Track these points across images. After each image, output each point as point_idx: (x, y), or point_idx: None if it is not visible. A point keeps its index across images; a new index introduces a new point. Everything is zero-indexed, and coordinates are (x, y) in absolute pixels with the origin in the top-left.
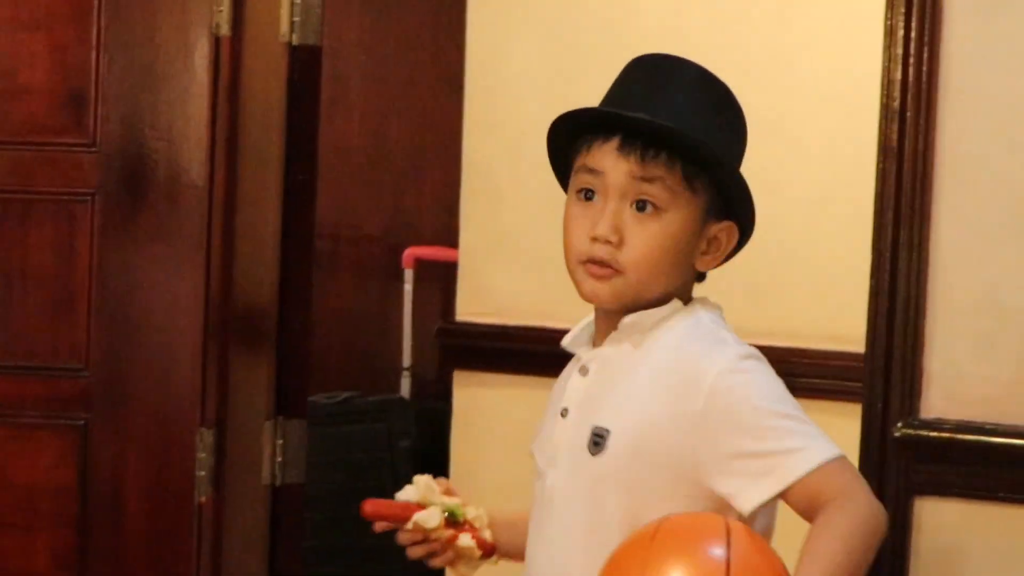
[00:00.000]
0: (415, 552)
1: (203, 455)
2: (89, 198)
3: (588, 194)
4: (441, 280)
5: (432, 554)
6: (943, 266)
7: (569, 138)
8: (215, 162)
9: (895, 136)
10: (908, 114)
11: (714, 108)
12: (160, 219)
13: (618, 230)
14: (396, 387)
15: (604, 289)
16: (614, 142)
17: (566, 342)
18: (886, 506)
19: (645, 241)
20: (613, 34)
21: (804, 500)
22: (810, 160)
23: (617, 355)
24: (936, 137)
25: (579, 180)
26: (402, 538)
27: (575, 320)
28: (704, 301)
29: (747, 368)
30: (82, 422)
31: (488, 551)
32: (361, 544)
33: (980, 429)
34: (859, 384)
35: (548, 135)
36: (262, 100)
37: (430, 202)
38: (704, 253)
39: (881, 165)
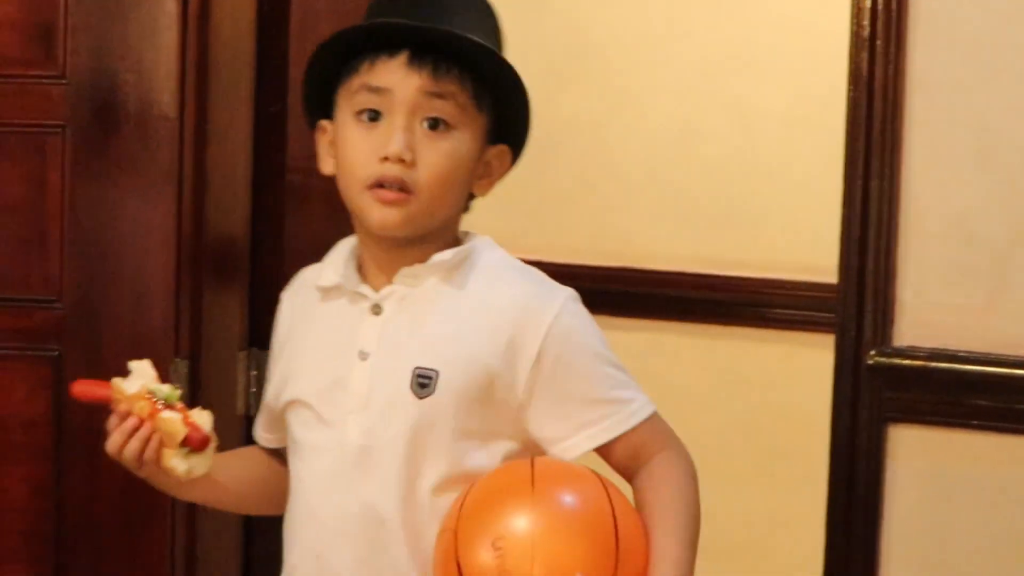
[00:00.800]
0: (114, 442)
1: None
2: (59, 130)
3: (372, 114)
4: None
5: (132, 436)
6: (914, 195)
7: (338, 61)
8: (185, 93)
9: (865, 64)
10: (878, 42)
11: (492, 27)
12: (131, 151)
13: (412, 149)
14: None
15: (396, 215)
16: (402, 57)
17: (330, 281)
18: (860, 434)
19: (438, 161)
20: None
21: (627, 452)
22: (781, 90)
23: (420, 292)
24: (906, 65)
25: (358, 101)
26: (110, 423)
27: (545, 252)
28: (474, 233)
29: (578, 311)
30: (56, 353)
31: (199, 439)
32: None
33: (952, 357)
34: (832, 315)
35: (310, 61)
36: (232, 32)
37: None
38: (480, 177)
39: (852, 94)
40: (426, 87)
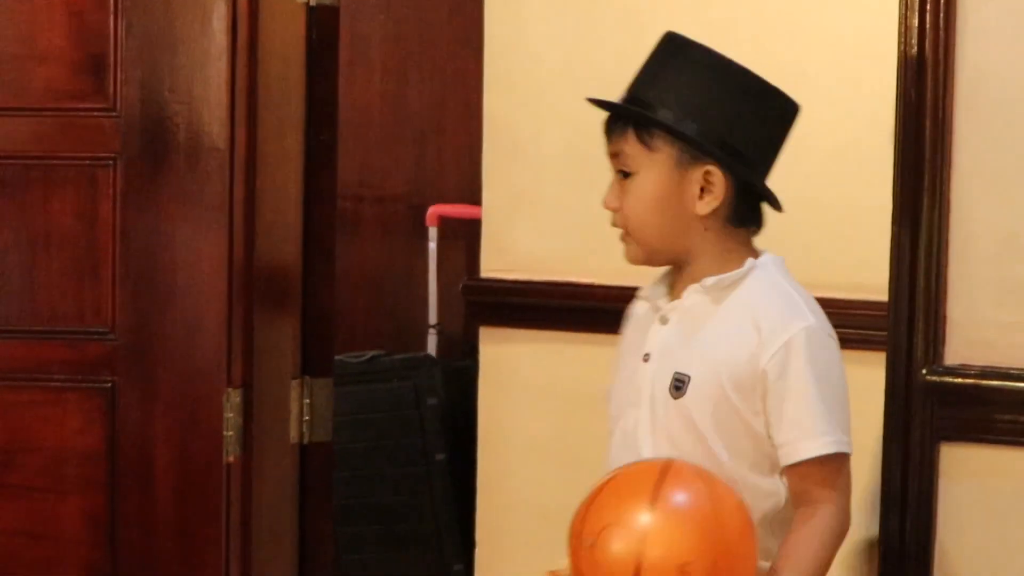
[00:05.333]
0: None
1: (231, 415)
2: (111, 163)
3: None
4: (465, 237)
5: None
6: (964, 213)
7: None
8: (235, 124)
9: (913, 83)
10: (926, 61)
11: (700, 78)
12: (182, 182)
13: (616, 199)
14: (423, 345)
15: (628, 249)
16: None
17: (644, 294)
18: (912, 452)
19: (630, 202)
20: None
21: (797, 480)
22: (831, 109)
23: (697, 308)
24: (955, 83)
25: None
26: None
27: (598, 274)
28: (768, 254)
29: (814, 340)
30: (109, 384)
31: None
32: (388, 503)
33: (1004, 374)
34: (883, 332)
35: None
36: (281, 61)
37: (452, 160)
38: (700, 198)
39: (901, 112)
40: (609, 150)
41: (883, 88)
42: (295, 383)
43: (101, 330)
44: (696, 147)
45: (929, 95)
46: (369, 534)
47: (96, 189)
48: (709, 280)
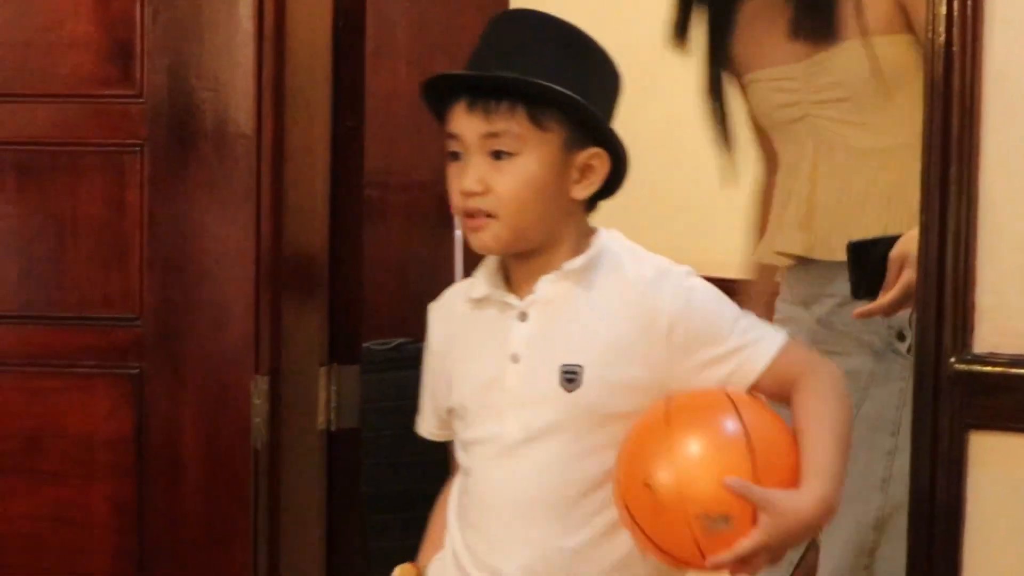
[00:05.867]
0: None
1: (258, 402)
2: (138, 149)
3: (454, 155)
4: None
5: None
6: (993, 200)
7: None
8: (262, 110)
9: (941, 71)
10: (954, 48)
11: (562, 50)
12: (209, 168)
13: (482, 180)
14: None
15: (485, 236)
16: (462, 104)
17: (481, 293)
18: (940, 441)
19: (507, 184)
20: None
21: (774, 384)
22: None
23: (560, 297)
24: (982, 73)
25: (446, 144)
26: None
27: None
28: (602, 229)
29: (695, 282)
30: (136, 371)
31: None
32: (416, 490)
33: None
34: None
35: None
36: (308, 48)
37: None
38: (577, 182)
39: (928, 101)
40: (481, 129)
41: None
42: (322, 370)
43: (129, 316)
44: (590, 129)
45: (956, 84)
46: (396, 521)
47: (123, 176)
48: (573, 263)
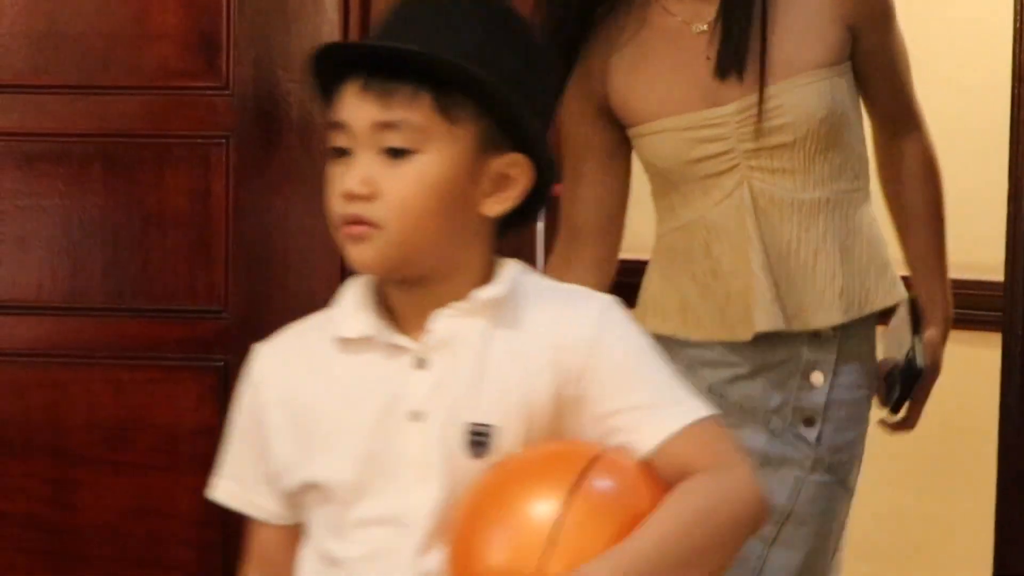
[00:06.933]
0: None
1: None
2: (224, 141)
3: (338, 151)
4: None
5: None
6: None
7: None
8: None
9: None
10: None
11: (486, 27)
12: (294, 160)
13: (369, 182)
14: None
15: (367, 251)
16: (355, 86)
17: (358, 332)
18: None
19: (399, 189)
20: None
21: (670, 469)
22: (944, 88)
23: (463, 337)
24: None
25: (329, 138)
26: None
27: None
28: (509, 260)
29: (615, 320)
30: (222, 363)
31: None
32: None
33: None
34: (999, 313)
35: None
36: None
37: None
38: (489, 194)
39: (1016, 90)
40: (374, 117)
41: (997, 64)
42: None
43: (214, 308)
44: (512, 129)
45: None
46: None
47: (209, 167)
48: (485, 293)
